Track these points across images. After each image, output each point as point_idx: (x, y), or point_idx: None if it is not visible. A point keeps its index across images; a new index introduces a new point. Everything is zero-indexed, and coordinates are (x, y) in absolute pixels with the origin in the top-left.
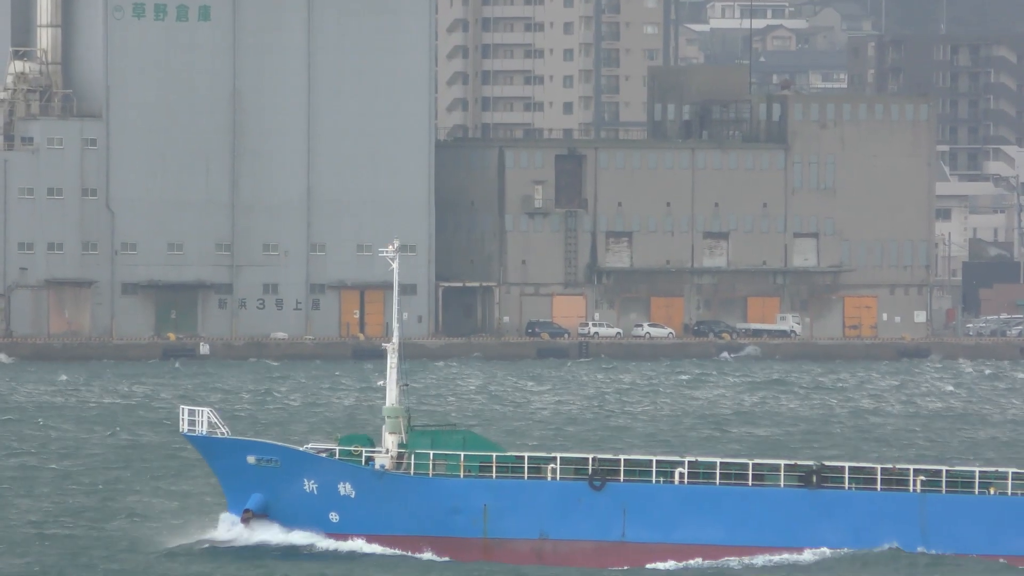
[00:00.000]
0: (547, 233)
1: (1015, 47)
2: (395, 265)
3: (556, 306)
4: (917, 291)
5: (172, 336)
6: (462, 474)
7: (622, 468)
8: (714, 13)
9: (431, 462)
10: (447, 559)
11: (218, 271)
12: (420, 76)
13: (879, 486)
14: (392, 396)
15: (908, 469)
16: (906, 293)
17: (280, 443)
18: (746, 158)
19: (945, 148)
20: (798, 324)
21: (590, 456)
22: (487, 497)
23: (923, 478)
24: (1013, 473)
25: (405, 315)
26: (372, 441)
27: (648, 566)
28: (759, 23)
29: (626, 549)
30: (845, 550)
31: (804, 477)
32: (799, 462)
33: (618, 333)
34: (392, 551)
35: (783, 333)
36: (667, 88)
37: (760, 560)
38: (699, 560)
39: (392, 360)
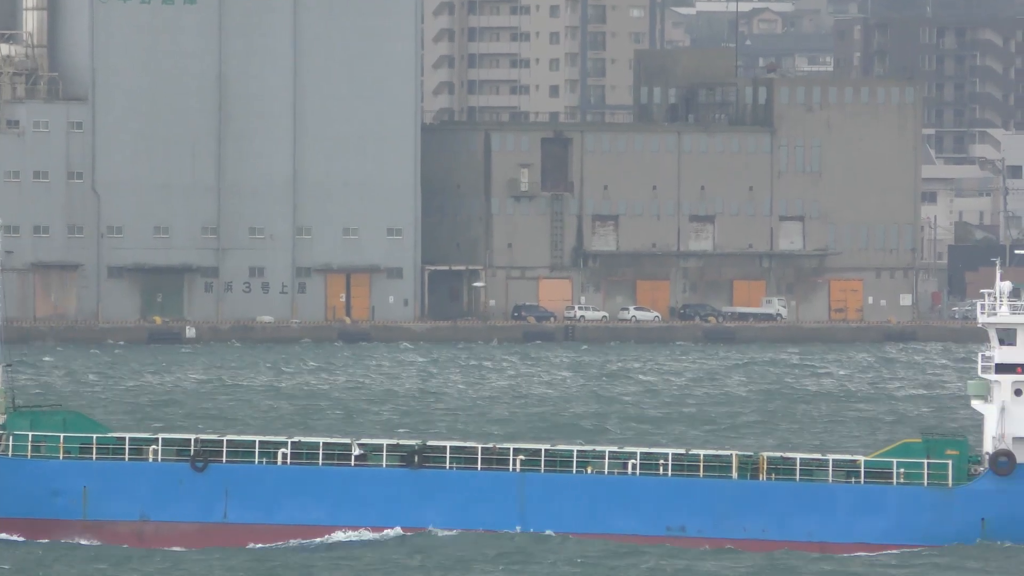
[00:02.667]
0: (533, 216)
1: (1001, 30)
2: None
3: (542, 290)
4: (903, 274)
5: (158, 320)
6: (61, 456)
7: (225, 449)
8: None
9: (30, 444)
10: (45, 541)
11: (204, 254)
12: (406, 59)
13: (479, 465)
14: None
15: (508, 448)
16: (892, 276)
17: None
18: (732, 141)
19: (931, 131)
20: (784, 307)
21: (192, 437)
22: (87, 479)
23: (523, 457)
24: (610, 452)
25: (391, 298)
26: None
27: (250, 546)
28: (745, 6)
29: (228, 530)
30: (450, 530)
31: (406, 457)
32: (401, 442)
33: (604, 316)
34: None
35: (769, 316)
36: (653, 71)
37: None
38: (299, 540)
39: None
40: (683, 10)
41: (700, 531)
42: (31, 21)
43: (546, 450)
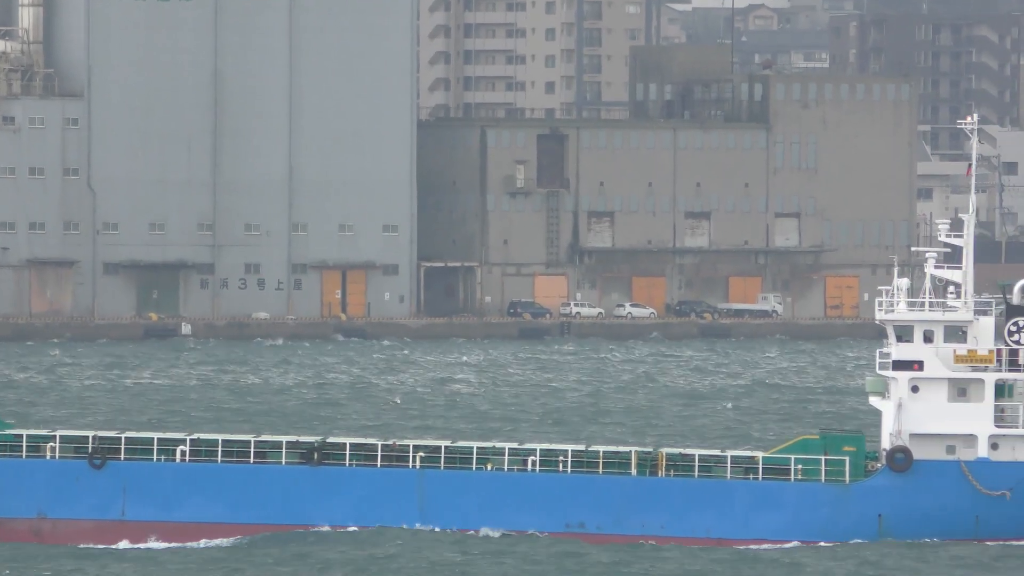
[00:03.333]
0: (529, 213)
1: (996, 27)
2: None
3: (538, 286)
4: (899, 271)
5: (154, 316)
6: None
7: (123, 446)
8: None
9: None
10: None
11: (200, 251)
12: (402, 56)
13: (379, 463)
14: None
15: (408, 446)
16: (888, 273)
17: None
18: (728, 138)
19: (926, 128)
20: (780, 304)
21: (91, 434)
22: None
23: (423, 454)
24: (510, 449)
25: (387, 295)
26: None
27: (147, 545)
28: (741, 2)
29: (126, 528)
30: (350, 527)
31: (306, 454)
32: (301, 439)
33: (600, 313)
34: None
35: (765, 313)
36: (649, 68)
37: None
38: (205, 541)
39: None
40: (679, 6)
41: (599, 528)
42: (27, 17)
43: (446, 447)
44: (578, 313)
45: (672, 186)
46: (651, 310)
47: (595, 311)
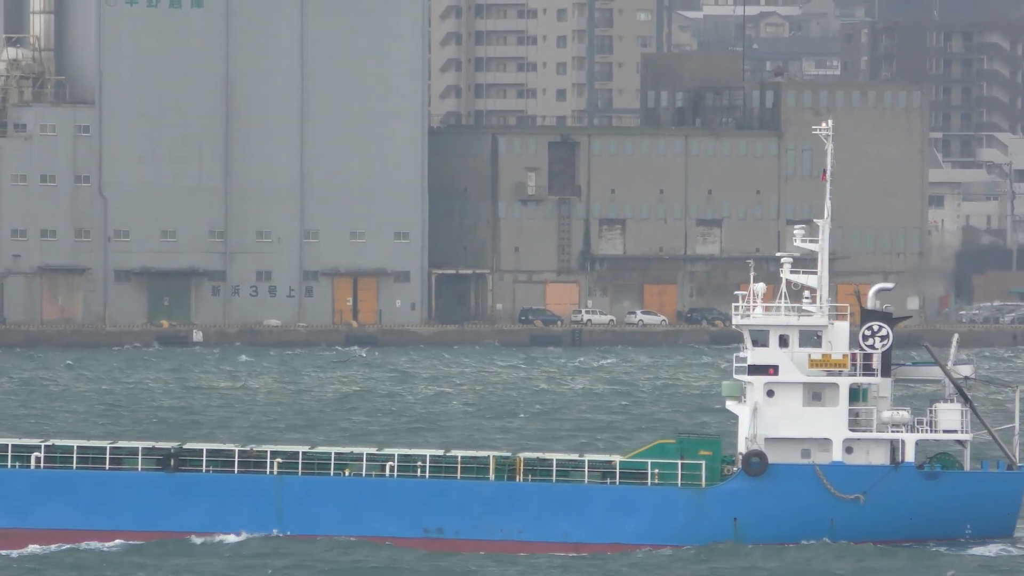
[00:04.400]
0: (540, 220)
1: (1008, 34)
2: None
3: (549, 293)
4: (910, 278)
5: (165, 323)
6: None
7: None
8: (707, 0)
9: None
10: None
11: (211, 258)
12: (413, 63)
13: (236, 469)
14: None
15: (266, 451)
16: (899, 280)
17: None
18: (739, 145)
19: (938, 135)
20: None
21: None
22: None
23: (280, 460)
24: (368, 455)
25: (398, 302)
26: None
27: (3, 552)
28: (752, 10)
29: None
30: (206, 535)
31: (162, 460)
32: (158, 445)
33: (611, 320)
34: None
35: None
36: (660, 75)
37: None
38: (60, 545)
39: None
40: (690, 14)
41: (457, 532)
42: (38, 24)
43: (304, 453)
44: (589, 320)
45: (683, 193)
46: (662, 317)
47: (606, 318)
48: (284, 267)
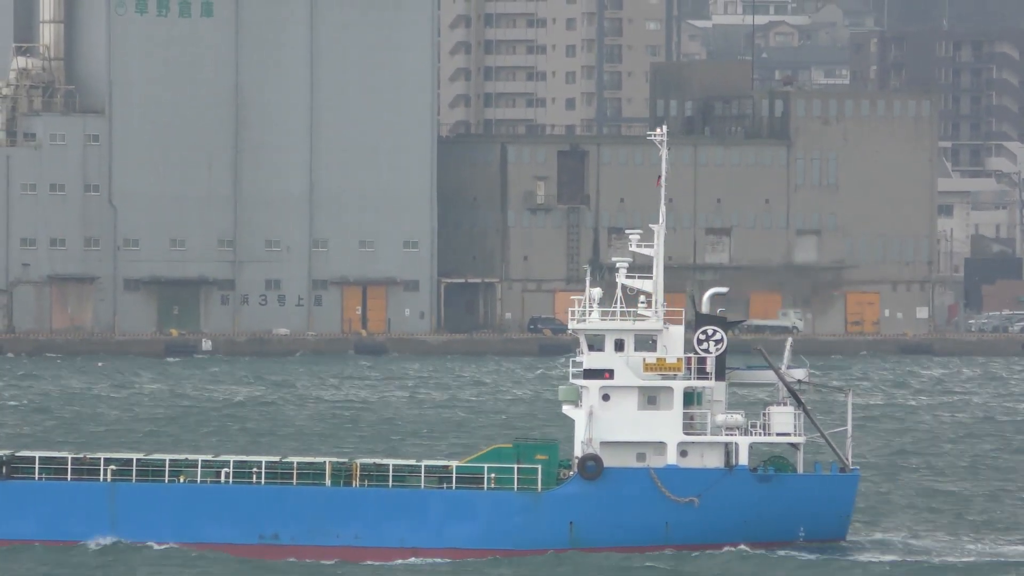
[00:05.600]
0: (549, 229)
1: (1017, 43)
2: None
3: (558, 302)
4: (919, 287)
5: (174, 332)
6: None
7: None
8: (716, 9)
9: None
10: None
11: (220, 267)
12: (423, 72)
13: (70, 476)
14: None
15: (100, 458)
16: (908, 289)
17: None
18: (748, 154)
19: (947, 144)
20: (800, 320)
21: None
22: None
23: (114, 467)
24: (203, 461)
25: (407, 311)
26: None
27: None
28: (761, 19)
29: None
30: (38, 543)
31: None
32: None
33: None
34: None
35: (785, 329)
36: (669, 84)
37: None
38: None
39: None
40: (699, 23)
41: (293, 539)
42: (48, 34)
43: (138, 460)
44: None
45: (693, 202)
46: None
47: None
48: (293, 276)
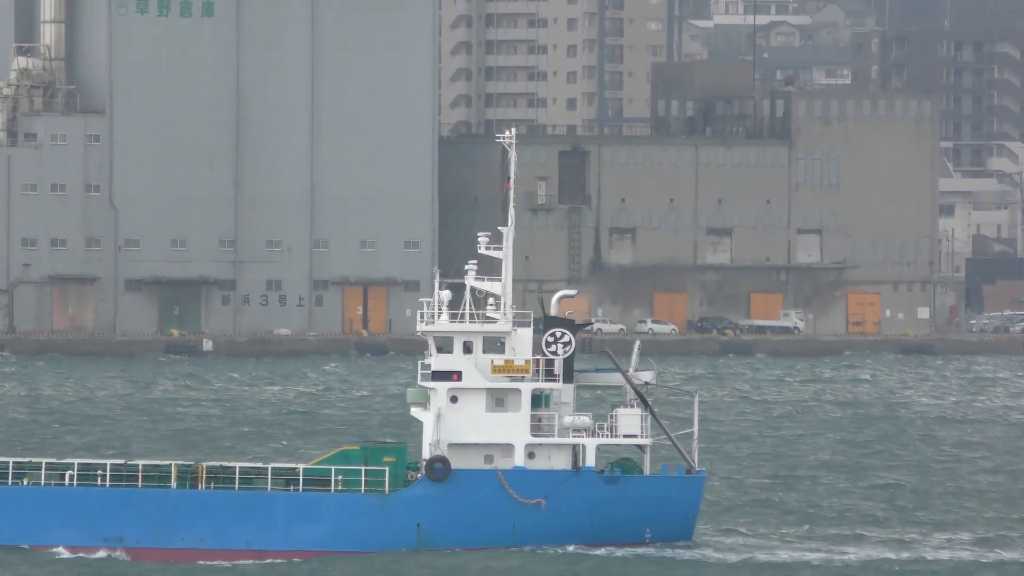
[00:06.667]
0: (550, 229)
1: (1019, 43)
2: None
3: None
4: (920, 287)
5: (175, 332)
6: None
7: None
8: (718, 9)
9: None
10: None
11: (221, 267)
12: (423, 72)
13: None
14: None
15: None
16: (909, 289)
17: None
18: (749, 154)
19: (949, 144)
20: (801, 320)
21: None
22: None
23: None
24: (47, 463)
25: (408, 311)
26: None
27: None
28: (763, 19)
29: None
30: None
31: None
32: None
33: (621, 329)
34: None
35: (786, 330)
36: (670, 84)
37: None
38: None
39: None
40: (701, 23)
41: (138, 541)
42: (49, 34)
43: None
44: (599, 329)
45: (694, 202)
46: (672, 326)
47: (616, 327)
48: (294, 276)
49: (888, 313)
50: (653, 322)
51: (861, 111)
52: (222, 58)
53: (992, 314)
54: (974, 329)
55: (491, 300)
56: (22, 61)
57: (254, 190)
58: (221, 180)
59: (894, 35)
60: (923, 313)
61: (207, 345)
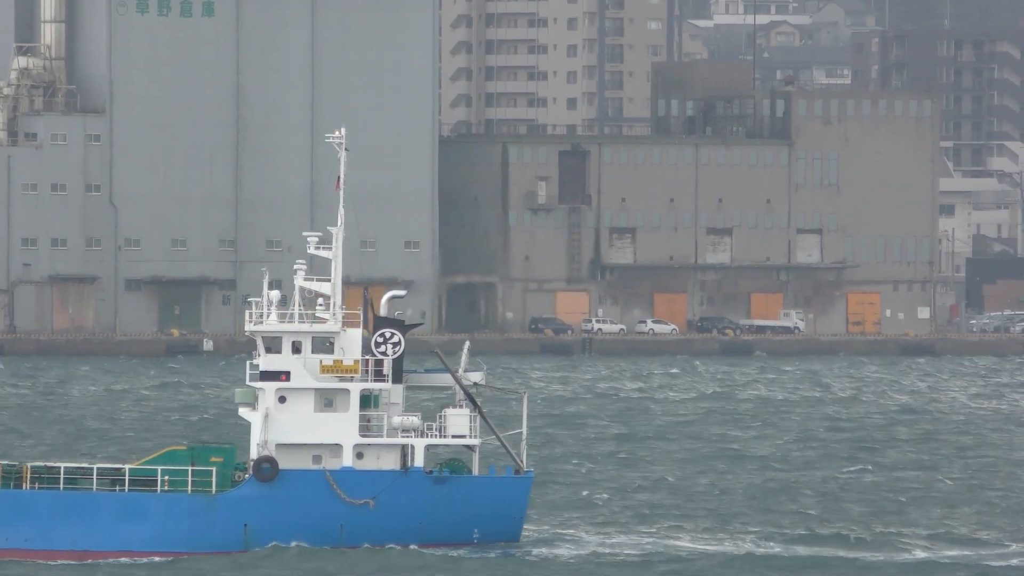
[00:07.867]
0: (550, 229)
1: (1019, 43)
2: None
3: (559, 302)
4: (921, 287)
5: (175, 332)
6: None
7: None
8: (718, 9)
9: None
10: None
11: (221, 267)
12: (424, 72)
13: None
14: None
15: None
16: (910, 289)
17: None
18: (750, 154)
19: (949, 144)
20: (801, 320)
21: None
22: None
23: None
24: None
25: (409, 311)
26: None
27: None
28: (763, 19)
29: None
30: None
31: None
32: None
33: (621, 329)
34: None
35: (786, 329)
36: (671, 84)
37: None
38: None
39: None
40: (701, 23)
41: None
42: (49, 33)
43: None
44: (599, 329)
45: (694, 202)
46: (673, 326)
47: (616, 327)
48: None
49: (888, 313)
50: (653, 322)
51: (861, 111)
52: (222, 58)
53: (992, 314)
54: (974, 329)
55: (320, 300)
56: (22, 61)
57: (254, 190)
58: (221, 180)
59: (894, 35)
60: (923, 313)
61: (207, 345)
